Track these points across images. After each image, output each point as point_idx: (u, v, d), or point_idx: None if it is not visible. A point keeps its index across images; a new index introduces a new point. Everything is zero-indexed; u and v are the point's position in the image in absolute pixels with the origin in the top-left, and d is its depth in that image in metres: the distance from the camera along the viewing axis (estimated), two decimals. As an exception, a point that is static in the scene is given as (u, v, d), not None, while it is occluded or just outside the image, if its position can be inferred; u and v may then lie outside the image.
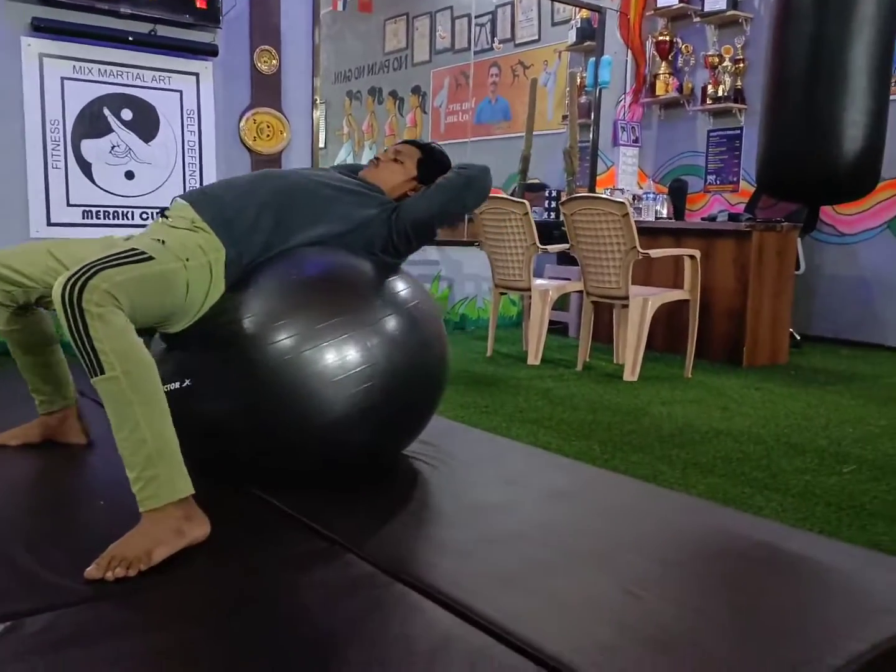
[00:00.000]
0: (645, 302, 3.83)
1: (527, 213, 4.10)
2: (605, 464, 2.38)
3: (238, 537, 1.56)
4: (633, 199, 6.14)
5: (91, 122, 3.90)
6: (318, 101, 4.62)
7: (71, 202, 3.88)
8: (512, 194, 6.49)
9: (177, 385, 1.69)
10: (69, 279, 1.45)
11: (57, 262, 1.86)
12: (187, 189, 4.19)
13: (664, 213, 5.66)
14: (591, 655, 1.16)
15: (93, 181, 3.93)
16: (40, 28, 3.63)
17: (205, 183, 4.25)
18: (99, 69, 3.89)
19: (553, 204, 6.19)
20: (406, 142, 2.19)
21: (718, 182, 6.01)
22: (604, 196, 3.87)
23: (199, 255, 1.71)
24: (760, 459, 2.50)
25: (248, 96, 4.34)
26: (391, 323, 1.79)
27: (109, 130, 3.96)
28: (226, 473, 1.83)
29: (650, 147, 6.47)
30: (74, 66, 3.82)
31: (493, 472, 2.04)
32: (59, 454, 2.06)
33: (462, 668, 1.13)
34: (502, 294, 4.61)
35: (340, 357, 1.70)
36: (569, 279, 4.78)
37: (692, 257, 3.95)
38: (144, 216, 4.07)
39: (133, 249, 1.60)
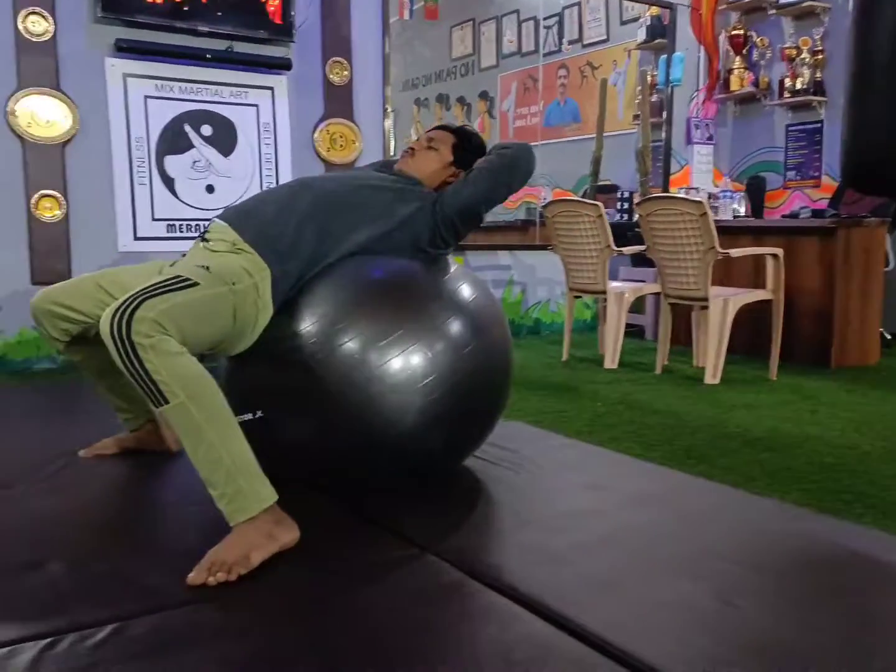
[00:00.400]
0: (726, 303, 3.74)
1: (601, 215, 4.05)
2: (691, 469, 2.32)
3: (327, 544, 1.58)
4: (709, 197, 6.00)
5: (173, 139, 4.02)
6: (388, 110, 4.66)
7: (156, 217, 4.01)
8: (583, 196, 6.43)
9: (249, 416, 1.69)
10: (115, 313, 1.44)
11: (107, 294, 1.85)
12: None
13: (742, 211, 5.53)
14: (695, 667, 1.13)
15: (176, 196, 4.05)
16: (124, 49, 3.76)
17: (281, 194, 4.33)
18: (180, 87, 4.01)
19: (625, 205, 6.11)
20: (438, 127, 2.13)
21: (799, 178, 5.83)
22: (681, 196, 3.79)
23: (244, 278, 1.68)
24: (856, 465, 2.41)
25: (321, 107, 4.41)
26: (455, 328, 1.77)
27: (191, 146, 4.07)
28: (309, 483, 1.86)
29: (725, 144, 6.32)
30: (157, 85, 3.95)
31: (577, 478, 2.02)
32: (151, 463, 2.13)
33: (561, 678, 1.11)
34: (576, 297, 4.57)
35: (407, 367, 1.69)
36: (644, 281, 4.70)
37: (774, 256, 3.84)
38: (224, 228, 4.17)
39: (177, 277, 1.57)
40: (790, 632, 1.25)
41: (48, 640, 1.18)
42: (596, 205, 4.07)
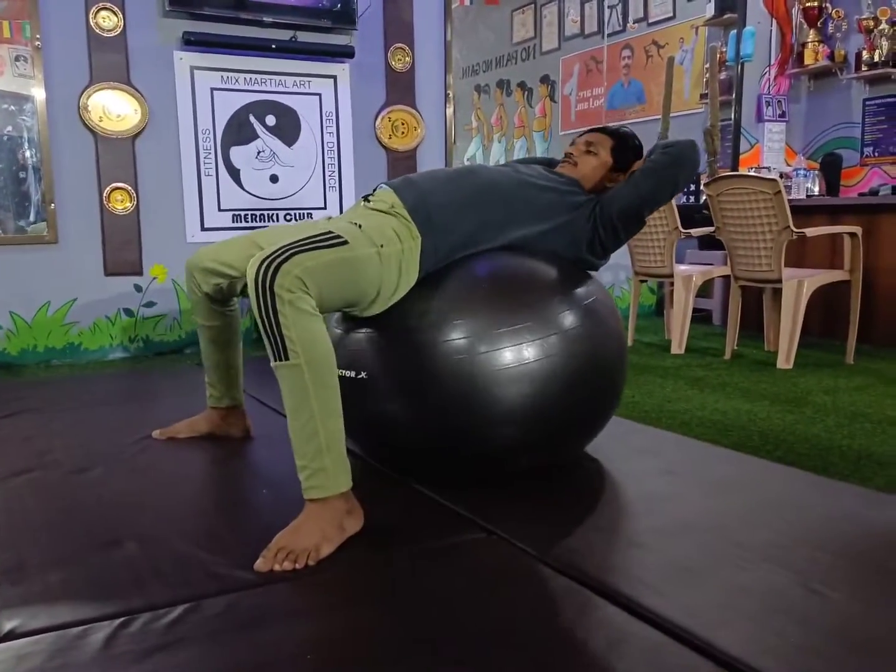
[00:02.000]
0: (800, 284, 3.61)
1: (669, 197, 3.95)
2: (769, 455, 2.24)
3: (398, 524, 1.57)
4: (781, 176, 5.81)
5: (238, 130, 4.07)
6: (450, 97, 4.63)
7: (222, 207, 4.07)
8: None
9: (352, 375, 1.70)
10: (263, 260, 1.45)
11: (260, 250, 1.81)
12: (327, 188, 4.30)
13: (816, 190, 5.33)
14: (783, 657, 1.08)
15: (241, 186, 4.10)
16: (191, 42, 3.82)
17: (343, 182, 4.35)
18: (245, 78, 4.05)
19: (692, 187, 5.95)
20: (593, 130, 2.09)
21: (877, 154, 5.58)
22: (753, 174, 3.67)
23: (394, 242, 1.67)
24: (945, 450, 2.29)
25: (382, 95, 4.40)
26: (568, 319, 1.73)
27: (255, 137, 4.12)
28: (388, 463, 1.86)
29: (798, 121, 6.09)
30: (222, 77, 4.00)
31: (651, 463, 1.97)
32: (223, 446, 2.16)
33: (637, 667, 1.08)
34: (642, 282, 4.47)
35: (518, 358, 1.66)
36: (712, 264, 4.57)
37: (852, 235, 3.68)
38: (288, 217, 4.21)
39: (329, 233, 1.58)
40: (878, 621, 1.19)
41: (123, 618, 1.20)
42: (663, 186, 3.96)
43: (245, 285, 1.70)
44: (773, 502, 1.68)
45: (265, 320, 1.44)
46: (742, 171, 5.65)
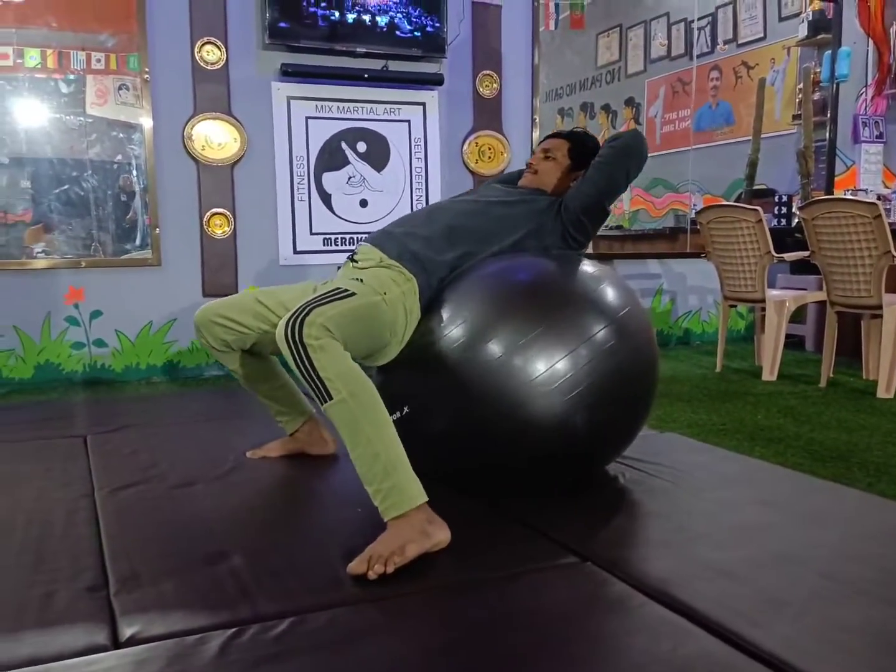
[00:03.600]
0: (901, 311, 3.48)
1: (760, 221, 3.88)
2: (869, 488, 2.17)
3: (484, 547, 1.59)
4: (880, 199, 5.62)
5: (331, 156, 4.20)
6: (536, 121, 4.67)
7: (314, 231, 4.20)
8: (737, 201, 6.19)
9: (397, 415, 1.78)
10: (289, 319, 1.59)
11: (265, 308, 2.05)
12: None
13: (916, 213, 5.14)
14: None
15: (332, 211, 4.23)
16: (288, 73, 3.97)
17: (431, 207, 4.43)
18: (338, 106, 4.18)
19: (783, 210, 5.82)
20: (550, 136, 2.22)
21: (982, 175, 5.35)
22: (851, 197, 3.57)
23: (393, 288, 1.82)
24: None
25: (470, 120, 4.47)
26: (597, 328, 1.78)
27: (346, 163, 4.24)
28: (457, 482, 1.89)
29: (896, 141, 5.89)
30: (317, 106, 4.14)
31: (745, 493, 1.94)
32: (315, 465, 2.22)
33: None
34: (731, 307, 4.39)
35: (548, 366, 1.71)
36: (805, 289, 4.45)
37: (957, 260, 3.54)
38: (377, 241, 4.31)
39: (337, 288, 1.72)
40: None
41: (234, 629, 1.25)
42: (755, 210, 3.90)
43: (253, 343, 2.08)
44: (874, 536, 1.63)
45: (303, 370, 1.56)
46: (838, 193, 5.50)
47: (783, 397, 3.52)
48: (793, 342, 4.94)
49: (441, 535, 1.56)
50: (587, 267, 1.95)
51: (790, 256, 4.08)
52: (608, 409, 1.80)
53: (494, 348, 1.73)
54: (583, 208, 2.00)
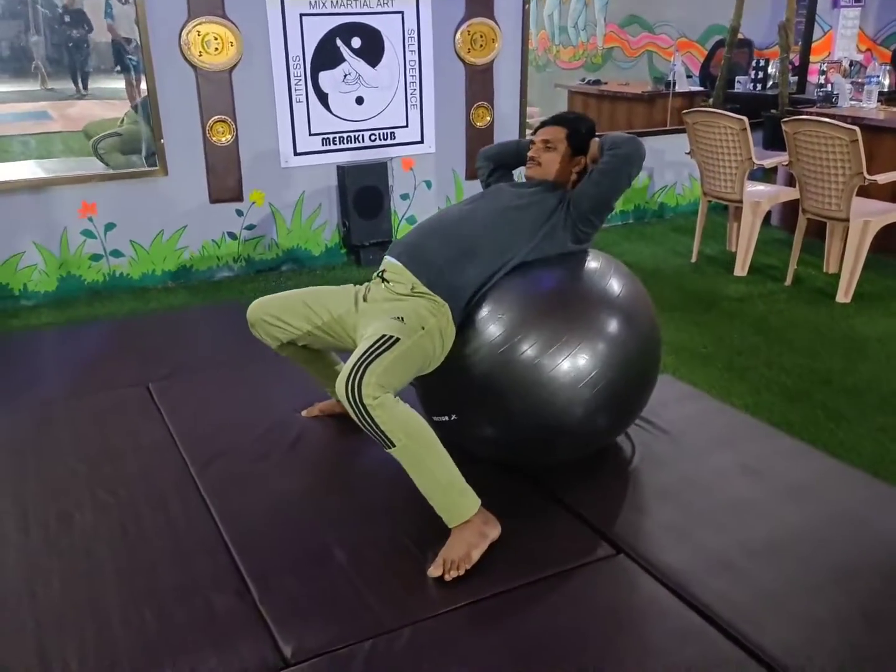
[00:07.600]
0: (866, 224, 3.81)
1: (745, 129, 4.07)
2: (831, 435, 2.61)
3: (529, 538, 1.97)
4: (851, 65, 5.76)
5: (326, 54, 4.17)
6: (528, 9, 4.61)
7: (312, 132, 4.25)
8: (711, 53, 6.25)
9: (445, 419, 2.12)
10: (347, 382, 1.81)
11: (311, 311, 2.24)
12: (409, 106, 4.43)
13: (886, 84, 5.33)
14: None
15: (329, 110, 4.26)
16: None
17: (424, 100, 4.47)
18: (331, 1, 4.09)
19: (760, 74, 5.92)
20: (545, 124, 2.35)
21: (954, 51, 5.50)
22: (831, 121, 3.76)
23: (430, 319, 2.03)
24: None
25: (462, 8, 4.42)
26: (610, 324, 2.07)
27: (342, 60, 4.22)
28: (507, 472, 2.25)
29: (872, 5, 5.93)
30: (310, 2, 4.05)
31: (731, 459, 2.31)
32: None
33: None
34: (709, 202, 4.65)
35: (574, 366, 2.01)
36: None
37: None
38: (373, 138, 4.39)
39: (383, 336, 1.92)
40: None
41: (369, 640, 1.64)
42: (740, 119, 4.07)
43: (294, 340, 2.29)
44: (850, 515, 2.00)
45: (366, 425, 1.83)
46: (813, 59, 5.62)
47: (753, 303, 3.91)
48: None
49: (495, 531, 1.93)
50: (593, 264, 2.21)
51: (769, 163, 4.31)
52: (624, 387, 2.12)
53: (529, 354, 2.00)
54: (591, 209, 2.19)
